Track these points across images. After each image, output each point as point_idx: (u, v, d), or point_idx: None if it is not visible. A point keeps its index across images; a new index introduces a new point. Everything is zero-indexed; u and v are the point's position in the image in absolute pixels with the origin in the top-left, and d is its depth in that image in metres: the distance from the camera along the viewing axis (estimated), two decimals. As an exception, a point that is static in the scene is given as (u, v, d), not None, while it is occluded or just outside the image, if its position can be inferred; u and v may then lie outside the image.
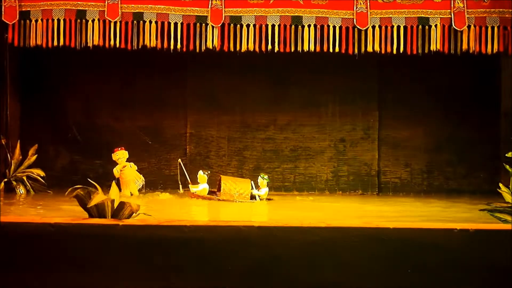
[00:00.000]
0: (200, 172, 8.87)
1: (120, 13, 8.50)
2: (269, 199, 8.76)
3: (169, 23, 8.53)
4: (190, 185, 8.85)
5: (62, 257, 5.54)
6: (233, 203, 8.43)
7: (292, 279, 5.50)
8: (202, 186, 8.82)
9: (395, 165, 9.86)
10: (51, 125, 9.72)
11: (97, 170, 9.67)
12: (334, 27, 8.51)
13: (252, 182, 8.75)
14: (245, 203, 8.47)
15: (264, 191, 8.76)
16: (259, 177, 8.80)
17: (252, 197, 8.64)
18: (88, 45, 8.54)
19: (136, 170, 9.03)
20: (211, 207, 8.31)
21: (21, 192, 8.85)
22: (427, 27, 8.51)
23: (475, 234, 5.52)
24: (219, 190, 8.76)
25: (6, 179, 8.87)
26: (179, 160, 9.12)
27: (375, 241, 5.50)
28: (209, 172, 8.99)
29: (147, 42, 8.53)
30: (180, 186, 9.00)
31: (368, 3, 8.49)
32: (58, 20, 8.54)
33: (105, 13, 8.49)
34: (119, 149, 8.99)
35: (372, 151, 9.79)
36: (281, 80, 9.75)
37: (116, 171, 8.92)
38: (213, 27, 8.52)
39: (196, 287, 5.51)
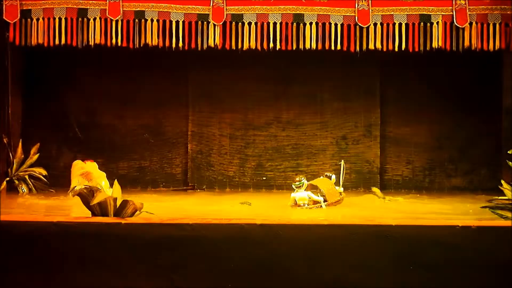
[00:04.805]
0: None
1: (121, 12, 8.50)
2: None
3: (170, 22, 8.53)
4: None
5: (65, 256, 5.54)
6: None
7: (295, 277, 5.50)
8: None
9: (396, 163, 9.84)
10: (53, 124, 9.71)
11: (99, 168, 9.65)
12: (336, 24, 8.51)
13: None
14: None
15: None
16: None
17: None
18: (90, 43, 8.54)
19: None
20: None
21: (23, 191, 8.85)
22: (428, 24, 8.51)
23: (477, 230, 5.52)
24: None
25: (8, 178, 8.85)
26: (342, 161, 8.11)
27: (377, 238, 5.51)
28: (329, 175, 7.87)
29: (148, 40, 8.53)
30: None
31: (370, 1, 8.49)
32: (60, 19, 8.53)
33: (107, 11, 8.49)
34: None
35: (374, 148, 9.77)
36: (282, 78, 9.74)
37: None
38: (214, 25, 8.52)
39: (199, 286, 5.52)
